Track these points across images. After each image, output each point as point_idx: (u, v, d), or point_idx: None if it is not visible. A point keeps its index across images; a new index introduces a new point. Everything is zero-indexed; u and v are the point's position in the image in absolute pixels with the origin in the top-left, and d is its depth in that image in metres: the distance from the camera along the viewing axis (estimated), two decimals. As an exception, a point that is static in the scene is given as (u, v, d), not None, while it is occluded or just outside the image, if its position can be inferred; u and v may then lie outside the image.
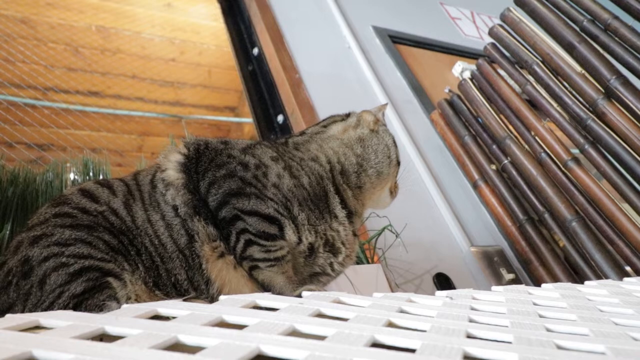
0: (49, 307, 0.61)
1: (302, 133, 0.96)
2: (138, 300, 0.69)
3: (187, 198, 0.76)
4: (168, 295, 0.73)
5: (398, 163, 0.97)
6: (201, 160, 0.80)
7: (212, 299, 0.75)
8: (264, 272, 0.74)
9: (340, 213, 0.85)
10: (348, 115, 0.97)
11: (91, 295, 0.63)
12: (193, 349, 0.35)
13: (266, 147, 0.86)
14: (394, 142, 0.96)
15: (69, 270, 0.64)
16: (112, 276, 0.66)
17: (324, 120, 0.98)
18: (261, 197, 0.77)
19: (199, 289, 0.76)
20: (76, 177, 1.25)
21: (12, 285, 0.64)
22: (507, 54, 1.70)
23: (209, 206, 0.76)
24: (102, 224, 0.71)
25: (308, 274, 0.83)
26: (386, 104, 1.02)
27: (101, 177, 1.28)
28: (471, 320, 0.47)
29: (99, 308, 0.61)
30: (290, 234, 0.78)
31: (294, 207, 0.79)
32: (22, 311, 0.62)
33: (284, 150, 0.88)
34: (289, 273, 0.75)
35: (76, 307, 0.61)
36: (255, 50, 1.99)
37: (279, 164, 0.82)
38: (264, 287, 0.74)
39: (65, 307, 0.61)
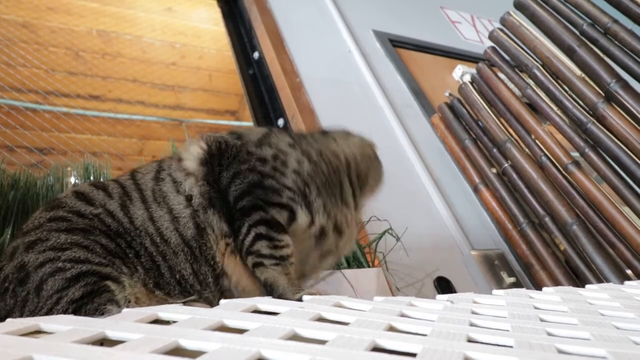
0: (48, 314, 0.61)
1: (324, 132, 1.01)
2: (138, 302, 0.68)
3: (205, 189, 0.77)
4: (170, 295, 0.73)
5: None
6: (224, 156, 0.82)
7: (221, 293, 0.76)
8: (268, 271, 0.74)
9: (351, 201, 0.91)
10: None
11: (90, 299, 0.62)
12: (194, 354, 0.35)
13: (281, 134, 0.89)
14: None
15: (66, 275, 0.63)
16: (110, 280, 0.66)
17: (341, 130, 1.04)
18: (278, 189, 0.79)
19: (206, 282, 0.76)
20: (77, 181, 1.24)
21: (9, 292, 0.64)
22: (507, 57, 1.70)
23: (229, 196, 0.77)
24: (98, 227, 0.70)
25: (317, 255, 0.86)
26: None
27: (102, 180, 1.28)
28: (472, 324, 0.47)
29: (100, 312, 0.61)
30: (303, 217, 0.80)
31: (312, 192, 0.83)
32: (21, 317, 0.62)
33: (300, 138, 0.92)
34: (291, 275, 0.75)
35: (75, 312, 0.60)
36: (256, 54, 2.00)
37: (296, 150, 0.86)
38: (266, 287, 0.73)
39: (64, 313, 0.60)
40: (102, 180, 1.19)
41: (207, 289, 0.76)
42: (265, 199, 0.78)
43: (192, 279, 0.74)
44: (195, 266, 0.74)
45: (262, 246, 0.75)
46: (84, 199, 0.74)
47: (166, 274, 0.72)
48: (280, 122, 1.77)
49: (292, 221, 0.80)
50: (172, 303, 0.72)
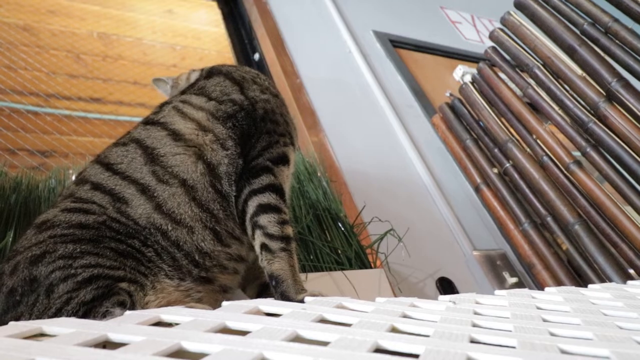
0: (57, 313, 0.59)
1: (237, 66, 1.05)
2: (158, 300, 0.68)
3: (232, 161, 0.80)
4: (194, 279, 0.73)
5: None
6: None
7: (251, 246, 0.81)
8: (275, 263, 0.73)
9: None
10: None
11: (99, 302, 0.61)
12: (196, 356, 0.35)
13: (247, 83, 0.91)
14: None
15: (77, 278, 0.62)
16: (126, 281, 0.65)
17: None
18: (277, 140, 0.85)
19: (235, 238, 0.78)
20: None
21: (20, 302, 0.62)
22: (508, 57, 1.70)
23: (251, 154, 0.81)
24: (106, 234, 0.69)
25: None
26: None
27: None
28: (475, 325, 0.47)
29: (102, 315, 0.60)
30: (292, 155, 0.87)
31: (290, 124, 0.91)
32: (29, 319, 0.61)
33: (245, 75, 0.95)
34: (295, 270, 0.74)
35: (85, 315, 0.59)
36: (257, 56, 2.00)
37: (266, 94, 0.90)
38: (271, 279, 0.73)
39: (74, 314, 0.59)
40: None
41: (238, 241, 0.78)
42: (271, 157, 0.82)
43: (212, 246, 0.74)
44: (219, 227, 0.75)
45: (270, 222, 0.74)
46: (79, 211, 0.71)
47: (183, 262, 0.72)
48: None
49: (287, 166, 0.85)
50: (199, 291, 0.74)
